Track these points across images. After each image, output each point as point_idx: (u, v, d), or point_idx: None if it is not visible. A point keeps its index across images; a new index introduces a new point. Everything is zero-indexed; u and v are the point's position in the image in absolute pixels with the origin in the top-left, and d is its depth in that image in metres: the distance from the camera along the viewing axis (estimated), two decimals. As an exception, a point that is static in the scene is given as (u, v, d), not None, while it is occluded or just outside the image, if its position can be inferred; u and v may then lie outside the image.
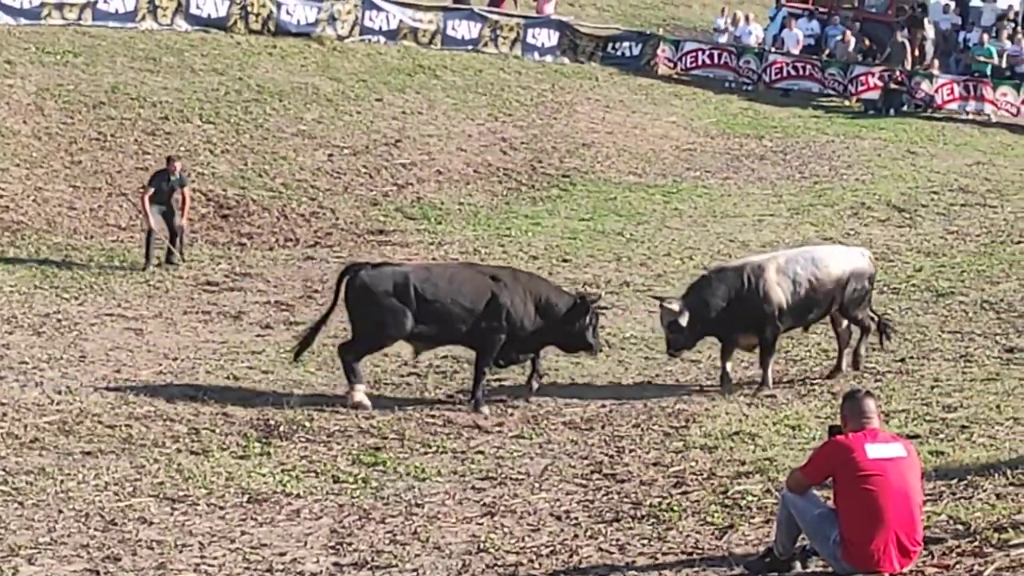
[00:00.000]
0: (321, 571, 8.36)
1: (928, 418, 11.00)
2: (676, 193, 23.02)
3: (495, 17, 30.06)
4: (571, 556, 8.32)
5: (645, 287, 17.18)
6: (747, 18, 32.74)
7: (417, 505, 9.53)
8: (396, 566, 8.34)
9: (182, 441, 11.19)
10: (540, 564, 8.24)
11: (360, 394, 12.34)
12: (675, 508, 9.01)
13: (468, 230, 20.46)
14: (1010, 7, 32.84)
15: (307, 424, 11.69)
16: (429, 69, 27.63)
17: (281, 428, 11.56)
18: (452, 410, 12.31)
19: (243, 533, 9.02)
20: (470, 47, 29.27)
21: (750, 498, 9.07)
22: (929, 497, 8.21)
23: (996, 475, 8.81)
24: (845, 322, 13.38)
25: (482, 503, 9.56)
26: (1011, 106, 29.55)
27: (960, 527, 7.89)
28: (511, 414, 12.25)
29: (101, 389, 12.66)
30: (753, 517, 8.68)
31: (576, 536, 8.69)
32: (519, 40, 29.91)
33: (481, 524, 9.07)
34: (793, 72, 30.83)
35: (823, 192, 23.00)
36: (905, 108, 29.82)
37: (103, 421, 11.64)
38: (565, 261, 18.67)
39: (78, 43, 24.79)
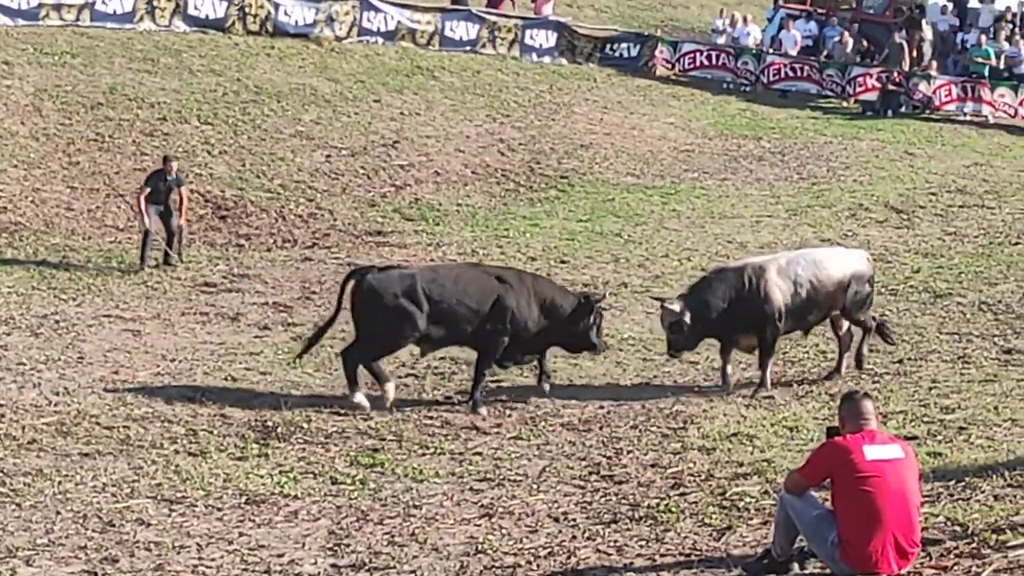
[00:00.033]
0: (319, 572, 8.36)
1: (926, 419, 11.00)
2: (674, 194, 23.03)
3: (493, 18, 30.06)
4: (569, 557, 8.32)
5: (643, 288, 17.18)
6: (745, 19, 32.76)
7: (415, 506, 9.53)
8: (394, 567, 8.34)
9: (180, 442, 11.19)
10: (538, 565, 8.24)
11: (390, 390, 12.36)
12: (673, 509, 9.00)
13: (466, 231, 20.46)
14: (1008, 9, 32.86)
15: (305, 425, 11.69)
16: (427, 70, 27.63)
17: (279, 429, 11.56)
18: (450, 411, 12.32)
19: (241, 534, 9.02)
20: (468, 48, 29.28)
21: (748, 499, 9.07)
22: (927, 498, 8.22)
23: (994, 476, 8.81)
24: (846, 325, 13.38)
25: (480, 504, 9.56)
26: (1009, 107, 29.55)
27: (958, 528, 7.90)
28: (509, 415, 12.25)
29: (99, 390, 12.66)
30: (751, 518, 8.68)
31: (574, 537, 8.69)
32: (517, 41, 29.92)
33: (479, 525, 9.07)
34: (791, 73, 30.85)
35: (821, 193, 23.01)
36: (903, 109, 29.83)
37: (101, 422, 11.64)
38: (563, 262, 18.67)
39: (76, 44, 24.78)
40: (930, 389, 12.19)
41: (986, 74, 30.01)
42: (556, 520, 9.11)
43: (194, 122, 22.99)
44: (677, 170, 24.69)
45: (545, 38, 30.28)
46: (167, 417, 11.87)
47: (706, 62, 31.23)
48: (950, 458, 9.65)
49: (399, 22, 28.69)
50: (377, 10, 28.48)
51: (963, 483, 8.79)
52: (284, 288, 17.32)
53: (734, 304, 12.76)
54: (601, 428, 11.67)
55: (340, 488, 10.04)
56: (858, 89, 30.22)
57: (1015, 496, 8.40)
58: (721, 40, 32.48)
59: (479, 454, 10.98)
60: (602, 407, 12.40)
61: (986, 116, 29.55)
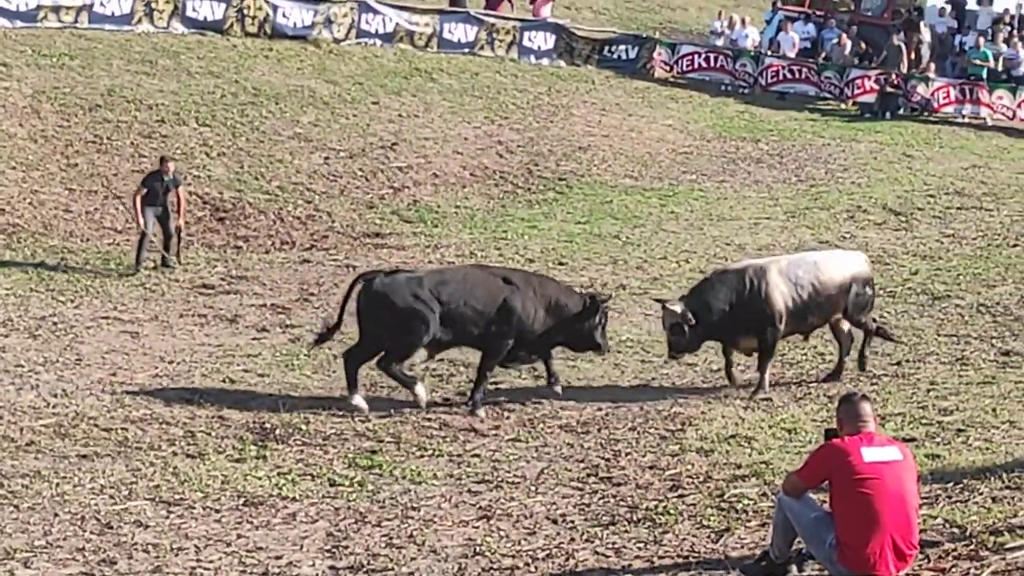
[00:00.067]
0: (317, 574, 8.35)
1: (924, 421, 11.01)
2: (672, 196, 23.03)
3: (491, 20, 30.05)
4: (567, 560, 8.32)
5: (641, 290, 17.18)
6: (743, 21, 32.78)
7: (413, 508, 9.53)
8: (392, 570, 8.34)
9: (178, 444, 11.18)
10: (536, 568, 8.24)
11: (420, 390, 12.40)
12: (671, 511, 9.00)
13: (464, 233, 20.46)
14: (1006, 11, 32.91)
15: (303, 427, 11.69)
16: (425, 72, 27.63)
17: (277, 431, 11.56)
18: (448, 413, 12.31)
19: (239, 536, 9.02)
20: (466, 50, 29.27)
21: (746, 501, 9.07)
22: (925, 500, 8.22)
23: (992, 478, 8.81)
24: (846, 327, 13.38)
25: (478, 506, 9.56)
26: (1007, 109, 29.57)
27: (956, 530, 7.90)
28: (507, 418, 12.25)
29: (97, 392, 12.65)
30: (749, 520, 8.68)
31: (572, 539, 8.69)
32: (515, 43, 29.91)
33: (477, 527, 9.07)
34: (789, 75, 30.86)
35: (819, 195, 23.02)
36: (901, 111, 29.84)
37: (99, 424, 11.64)
38: (561, 264, 18.67)
39: (74, 46, 24.76)
40: (928, 391, 12.19)
41: (984, 76, 30.03)
42: (554, 522, 9.11)
43: (192, 124, 22.98)
44: (675, 172, 24.69)
45: (543, 40, 30.28)
46: (165, 419, 11.87)
47: (704, 64, 31.24)
48: (948, 460, 9.65)
49: (397, 24, 28.69)
50: (375, 12, 28.47)
51: (961, 485, 8.79)
52: (282, 290, 17.32)
53: (735, 306, 12.76)
54: (599, 430, 11.66)
55: (338, 490, 10.04)
56: (856, 91, 30.23)
57: (1013, 498, 8.40)
58: (719, 42, 32.51)
59: (477, 456, 10.98)
60: (600, 409, 12.40)
61: (984, 118, 29.57)
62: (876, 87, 29.95)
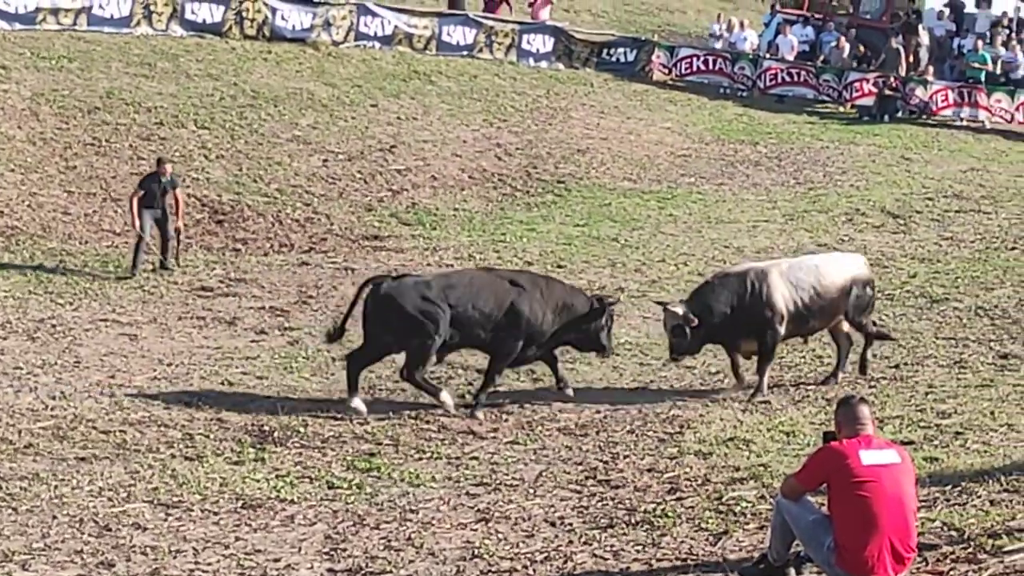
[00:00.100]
0: (315, 577, 8.36)
1: (922, 424, 11.01)
2: (671, 199, 23.04)
3: (490, 23, 30.07)
4: (565, 562, 8.32)
5: (640, 293, 17.19)
6: (742, 24, 32.82)
7: (411, 511, 9.53)
8: (390, 572, 8.33)
9: (176, 447, 11.18)
10: (534, 570, 8.24)
11: (446, 396, 12.39)
12: (669, 514, 9.00)
13: (463, 236, 20.46)
14: (1004, 14, 32.94)
15: (301, 430, 11.69)
16: (424, 75, 27.64)
17: (275, 434, 11.55)
18: (447, 416, 12.30)
19: (237, 539, 9.01)
20: (465, 53, 29.29)
21: (744, 504, 9.07)
22: (923, 503, 8.22)
23: (990, 481, 8.82)
24: (845, 329, 13.38)
25: (476, 509, 9.55)
26: (1005, 112, 29.61)
27: (954, 533, 7.90)
28: (506, 420, 12.25)
29: (95, 394, 12.65)
30: (747, 523, 8.68)
31: (570, 542, 8.68)
32: (514, 46, 29.93)
33: (475, 530, 9.06)
34: (788, 78, 30.89)
35: (818, 198, 23.03)
36: (900, 114, 29.88)
37: (97, 426, 11.63)
38: (560, 267, 18.66)
39: (73, 48, 24.76)
40: (926, 394, 12.20)
41: (982, 79, 30.07)
42: (552, 524, 9.11)
43: (191, 126, 22.98)
44: (674, 175, 24.70)
45: (542, 43, 30.30)
46: (163, 421, 11.87)
47: (703, 67, 31.27)
48: (946, 463, 9.65)
49: (396, 27, 28.70)
50: (374, 15, 28.48)
51: (959, 488, 8.80)
52: (281, 292, 17.31)
53: (737, 309, 12.76)
54: (598, 433, 11.66)
55: (336, 492, 10.03)
56: (855, 94, 30.26)
57: (1011, 501, 8.41)
58: (718, 45, 32.54)
59: (476, 458, 10.98)
60: (599, 412, 12.40)
61: (982, 121, 29.61)
62: (874, 90, 29.98)
